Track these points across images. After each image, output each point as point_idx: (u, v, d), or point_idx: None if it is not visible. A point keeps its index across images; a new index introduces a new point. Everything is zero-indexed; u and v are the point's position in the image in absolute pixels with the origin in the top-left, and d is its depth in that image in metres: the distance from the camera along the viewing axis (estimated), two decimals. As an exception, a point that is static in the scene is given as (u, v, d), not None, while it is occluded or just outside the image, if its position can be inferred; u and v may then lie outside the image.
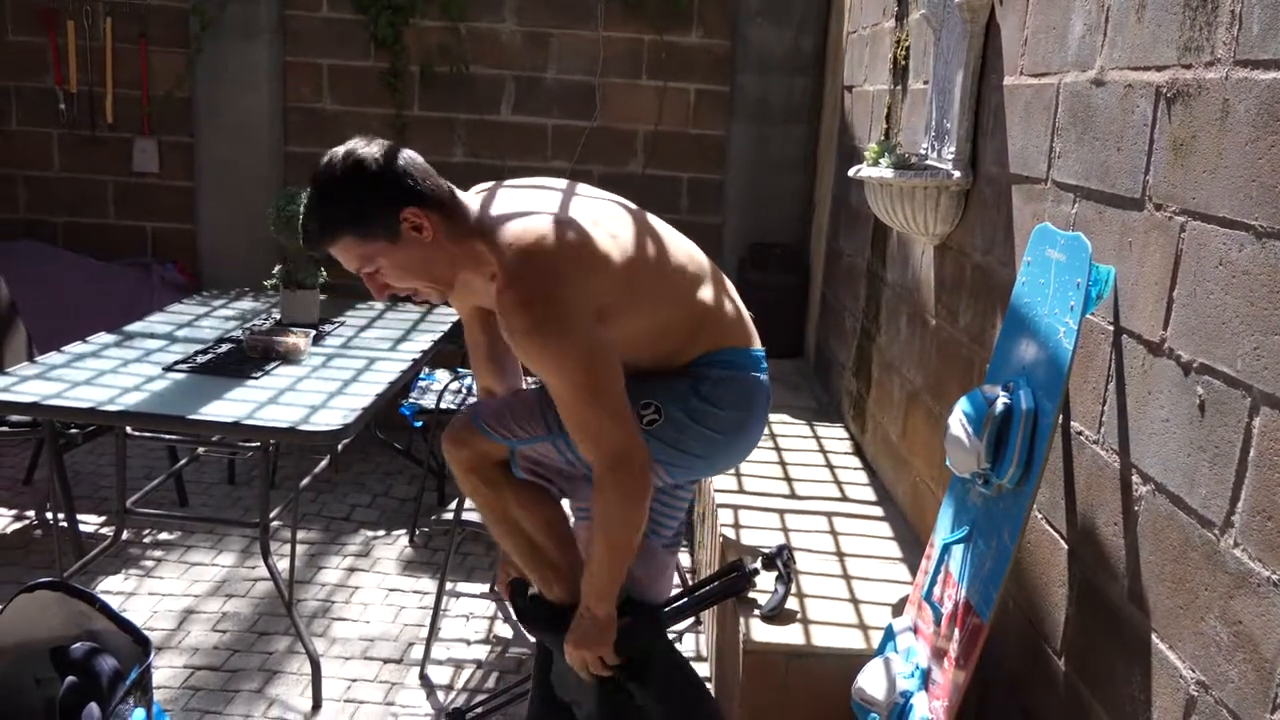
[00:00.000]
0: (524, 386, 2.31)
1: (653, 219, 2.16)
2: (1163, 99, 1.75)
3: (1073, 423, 2.04)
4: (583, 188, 2.14)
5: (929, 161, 2.87)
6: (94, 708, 1.90)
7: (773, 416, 4.00)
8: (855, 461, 3.61)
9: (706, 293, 2.13)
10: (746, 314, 2.23)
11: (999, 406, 2.00)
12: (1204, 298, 1.60)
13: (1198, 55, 1.65)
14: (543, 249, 1.86)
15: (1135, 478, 1.78)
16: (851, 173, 3.14)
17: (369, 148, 1.85)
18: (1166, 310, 1.71)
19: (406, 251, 1.86)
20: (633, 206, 2.18)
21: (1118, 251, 1.89)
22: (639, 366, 2.03)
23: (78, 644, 2.01)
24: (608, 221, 2.01)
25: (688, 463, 2.13)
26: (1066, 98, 2.14)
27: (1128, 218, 1.86)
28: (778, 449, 3.65)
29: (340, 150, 1.86)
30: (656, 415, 2.04)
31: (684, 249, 2.15)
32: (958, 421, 2.07)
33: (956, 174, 2.67)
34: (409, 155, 1.89)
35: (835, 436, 3.85)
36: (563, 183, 2.14)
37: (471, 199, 1.99)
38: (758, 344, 2.21)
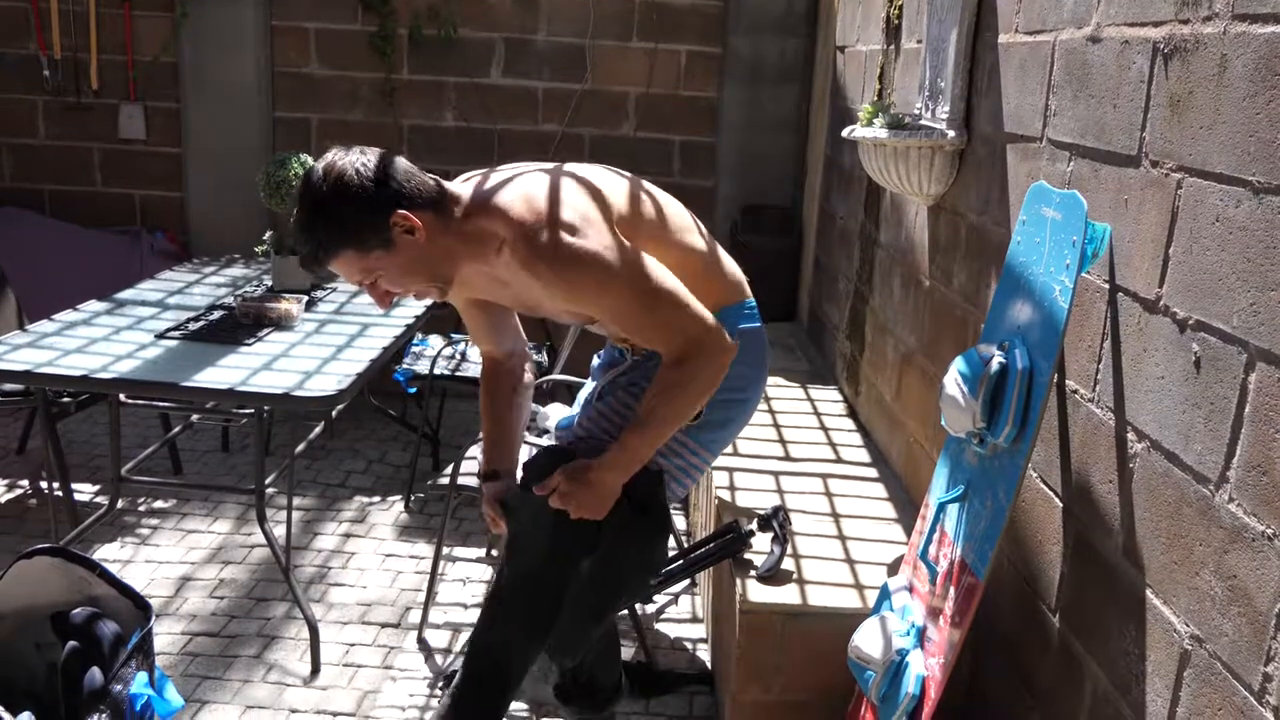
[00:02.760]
0: (524, 344, 2.34)
1: (644, 183, 2.19)
2: (1159, 55, 1.74)
3: (1068, 381, 2.05)
4: (571, 166, 2.17)
5: (923, 121, 2.86)
6: (96, 672, 1.90)
7: (767, 379, 4.00)
8: (849, 423, 3.62)
9: (704, 249, 2.18)
10: (738, 268, 2.29)
11: (994, 366, 2.01)
12: (1200, 254, 1.60)
13: (1195, 10, 1.64)
14: (551, 200, 1.91)
15: (1130, 435, 1.79)
16: (845, 133, 3.13)
17: (347, 157, 1.84)
18: (1162, 267, 1.71)
19: (404, 254, 1.86)
20: (625, 173, 2.20)
21: (1113, 209, 1.89)
22: None
23: (78, 609, 2.01)
24: (603, 185, 2.05)
25: (724, 434, 2.24)
26: (1062, 55, 2.13)
27: (1124, 175, 1.85)
28: (772, 411, 3.66)
29: (319, 167, 1.85)
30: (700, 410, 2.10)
31: (679, 208, 2.20)
32: (953, 381, 2.08)
33: (951, 134, 2.66)
34: (390, 158, 1.88)
35: (829, 399, 3.85)
36: (550, 165, 2.16)
37: (460, 186, 1.99)
38: (750, 295, 2.28)
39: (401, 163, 1.89)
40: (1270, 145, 1.44)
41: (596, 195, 1.99)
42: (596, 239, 1.89)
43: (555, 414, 3.08)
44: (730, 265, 2.26)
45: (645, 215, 2.08)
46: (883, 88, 3.51)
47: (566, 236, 1.87)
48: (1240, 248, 1.50)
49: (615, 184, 2.09)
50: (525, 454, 2.50)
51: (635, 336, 1.99)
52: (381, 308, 1.97)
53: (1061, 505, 2.05)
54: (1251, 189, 1.48)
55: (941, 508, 2.23)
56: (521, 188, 1.94)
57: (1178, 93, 1.68)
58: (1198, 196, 1.62)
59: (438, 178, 1.96)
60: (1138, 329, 1.78)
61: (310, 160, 3.58)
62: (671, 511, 2.23)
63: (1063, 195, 1.98)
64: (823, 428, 3.56)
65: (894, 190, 3.07)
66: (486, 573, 3.39)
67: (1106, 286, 1.90)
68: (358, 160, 1.84)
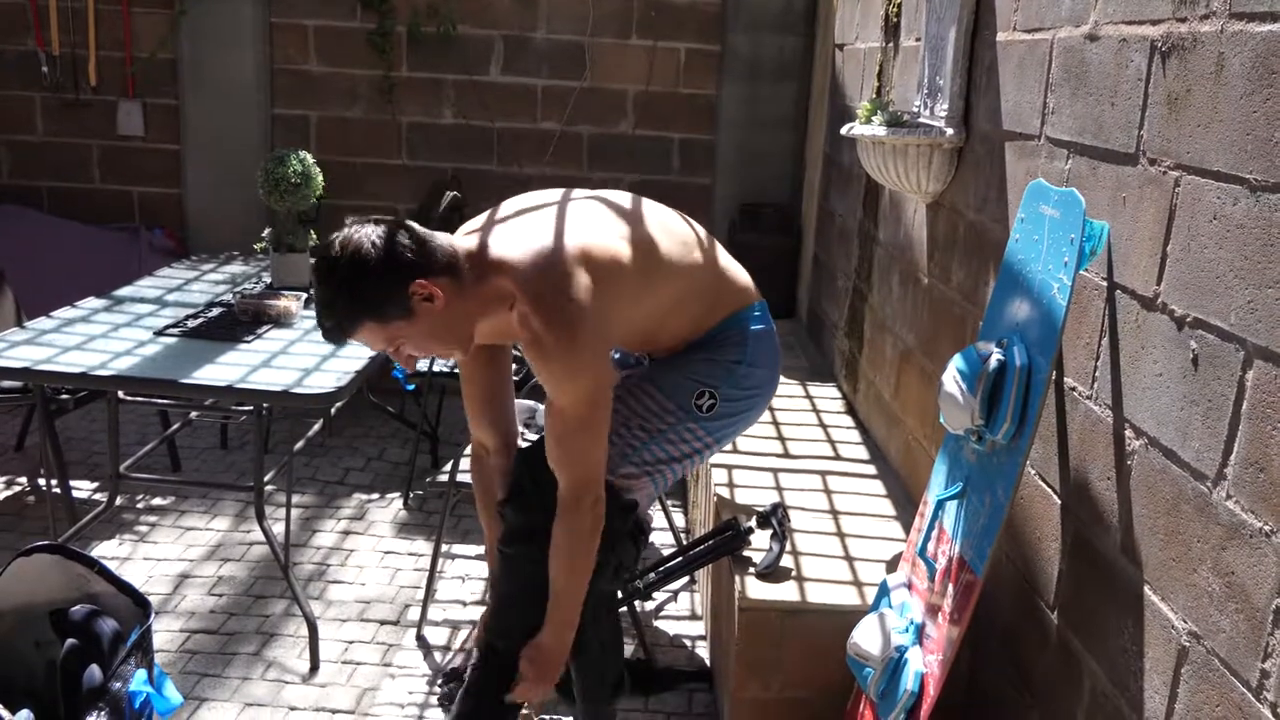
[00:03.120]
0: (516, 431, 2.34)
1: (648, 203, 2.23)
2: (1157, 53, 1.74)
3: (1066, 378, 2.05)
4: (576, 193, 2.21)
5: (921, 119, 2.86)
6: (95, 669, 1.91)
7: (779, 378, 4.01)
8: (848, 420, 3.62)
9: (712, 260, 2.26)
10: (744, 271, 2.34)
11: (993, 363, 2.01)
12: (1198, 252, 1.61)
13: (1192, 8, 1.64)
14: (556, 265, 1.92)
15: (1128, 432, 1.80)
16: (844, 130, 3.13)
17: (363, 231, 1.87)
18: (1160, 265, 1.71)
19: (424, 322, 1.90)
20: (628, 197, 2.23)
21: (1111, 207, 1.89)
22: (678, 335, 2.22)
23: (77, 606, 2.01)
24: (608, 221, 2.10)
25: (735, 425, 2.29)
26: (1060, 53, 2.13)
27: (1121, 173, 1.86)
28: (771, 409, 3.66)
29: (336, 241, 1.88)
30: (713, 399, 2.19)
31: (682, 227, 2.23)
32: (952, 378, 2.08)
33: (949, 131, 2.66)
34: (406, 227, 1.91)
35: (828, 396, 3.86)
36: (555, 193, 2.19)
37: (469, 241, 2.01)
38: (759, 297, 2.34)
39: (417, 230, 1.92)
40: (1267, 143, 1.44)
41: (602, 232, 2.04)
42: (581, 343, 1.91)
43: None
44: (736, 271, 2.31)
45: (646, 255, 2.10)
46: (881, 85, 3.51)
47: (572, 312, 1.90)
48: (1238, 245, 1.50)
49: (619, 215, 2.13)
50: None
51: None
52: (409, 370, 2.04)
53: (1060, 502, 2.06)
54: (1249, 187, 1.48)
55: (940, 505, 2.23)
56: (535, 247, 1.95)
57: (1175, 91, 1.68)
58: (1195, 194, 1.62)
59: (451, 238, 1.98)
60: (1136, 326, 1.79)
61: (309, 157, 3.58)
62: (648, 520, 2.30)
63: (1061, 193, 1.99)
64: (821, 425, 3.57)
65: (893, 188, 3.08)
66: (485, 570, 3.39)
67: (1104, 284, 1.91)
68: (373, 233, 1.86)
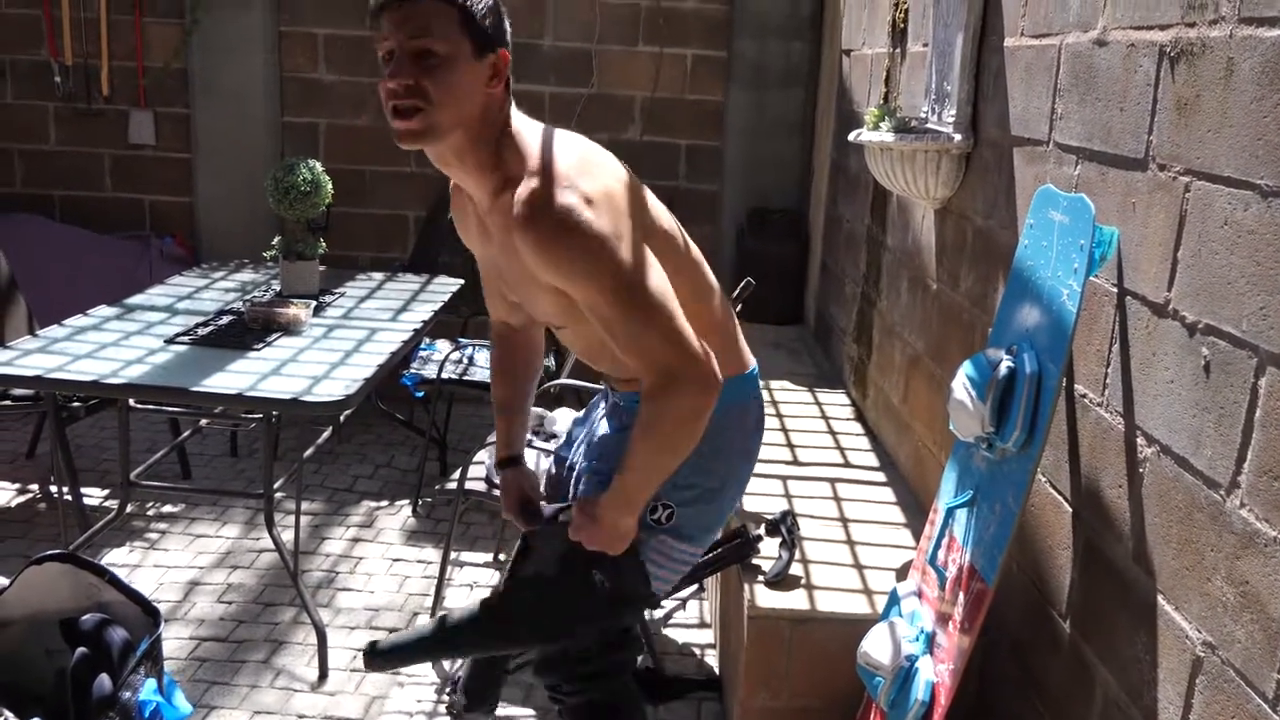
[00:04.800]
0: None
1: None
2: (1166, 58, 1.73)
3: (1076, 385, 2.04)
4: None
5: (929, 125, 2.86)
6: (105, 679, 1.91)
7: (775, 383, 4.01)
8: (857, 427, 3.61)
9: (718, 303, 2.02)
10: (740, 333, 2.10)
11: (1003, 370, 2.00)
12: (1209, 258, 1.60)
13: (1201, 13, 1.63)
14: (581, 162, 1.74)
15: (1140, 440, 1.79)
16: (851, 137, 3.12)
17: None
18: (1171, 271, 1.70)
19: (470, 75, 1.69)
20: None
21: (1121, 213, 1.88)
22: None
23: (88, 615, 2.02)
24: (651, 197, 1.92)
25: (712, 515, 2.05)
26: (1068, 59, 2.12)
27: (1131, 178, 1.85)
28: (780, 415, 3.65)
29: None
30: (668, 508, 1.95)
31: (704, 265, 2.03)
32: (961, 385, 2.07)
33: (957, 137, 2.65)
34: None
35: (837, 402, 3.85)
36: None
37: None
38: (753, 360, 2.09)
39: None
40: (1277, 149, 1.43)
41: (635, 190, 1.83)
42: (608, 221, 1.69)
43: (563, 419, 3.08)
44: (738, 332, 2.07)
45: (678, 234, 1.94)
46: (889, 91, 3.50)
47: (573, 201, 1.67)
48: (1249, 251, 1.49)
49: (659, 205, 1.94)
50: (531, 460, 2.49)
51: (613, 346, 1.78)
52: (386, 83, 1.70)
53: (1071, 510, 2.05)
54: (1260, 192, 1.47)
55: (950, 513, 2.22)
56: (555, 139, 1.79)
57: (1185, 96, 1.68)
58: (1206, 200, 1.61)
59: None
60: (1147, 333, 1.78)
61: (318, 166, 3.59)
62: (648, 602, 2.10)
63: (1070, 199, 1.98)
64: (830, 432, 3.56)
65: (900, 194, 3.07)
66: (493, 577, 3.39)
67: (1115, 290, 1.90)
68: None
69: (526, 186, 1.69)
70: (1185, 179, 1.67)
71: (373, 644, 2.06)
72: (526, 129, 1.79)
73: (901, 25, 3.38)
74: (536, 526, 2.10)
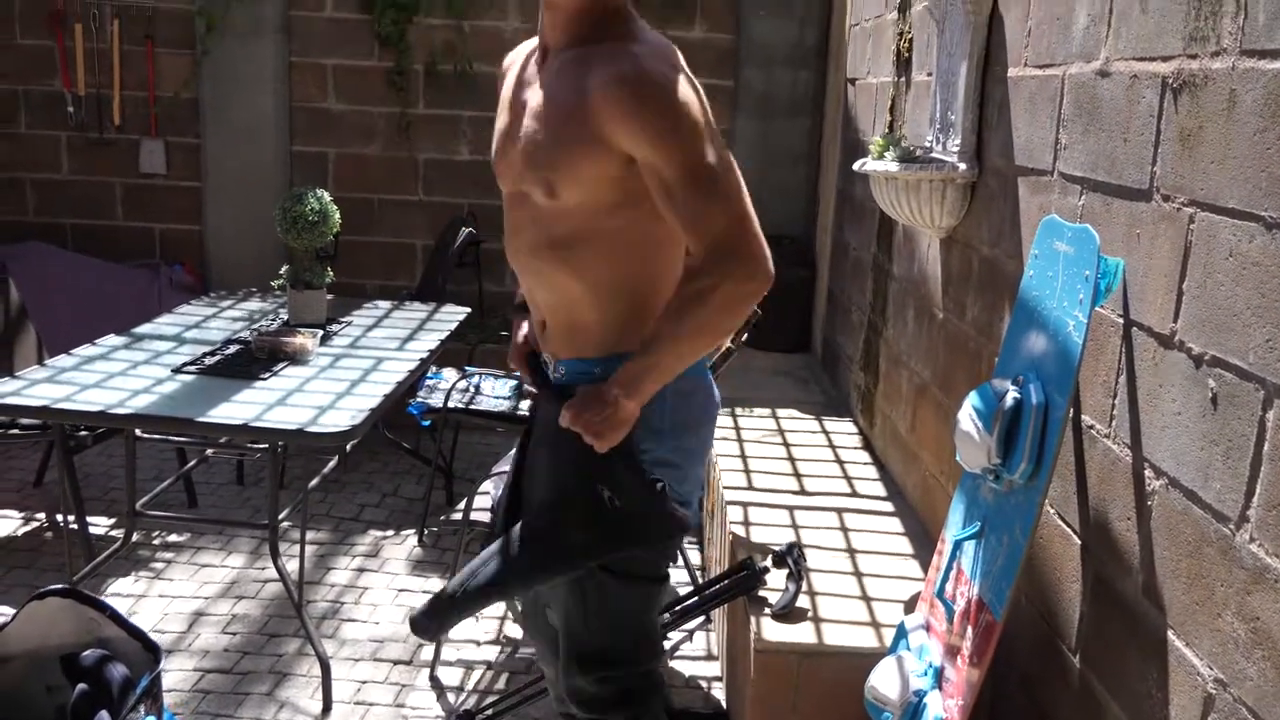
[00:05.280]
0: None
1: None
2: (1169, 89, 1.73)
3: (1084, 416, 2.02)
4: None
5: (934, 154, 2.86)
6: (105, 716, 1.90)
7: (781, 412, 3.99)
8: (864, 456, 3.59)
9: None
10: None
11: (1009, 401, 1.99)
12: (1214, 289, 1.59)
13: (1203, 45, 1.63)
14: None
15: (1148, 472, 1.77)
16: (856, 166, 3.12)
17: None
18: (1176, 302, 1.69)
19: None
20: None
21: (1126, 243, 1.87)
22: (605, 319, 1.81)
23: (88, 651, 2.00)
24: None
25: (696, 486, 1.97)
26: (1072, 89, 2.12)
27: (1135, 209, 1.84)
28: (786, 444, 3.64)
29: None
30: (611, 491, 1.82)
31: None
32: (967, 416, 2.06)
33: (962, 167, 2.65)
34: None
35: (844, 431, 3.83)
36: None
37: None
38: None
39: None
40: (1283, 181, 1.42)
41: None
42: (700, 104, 1.67)
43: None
44: None
45: None
46: (894, 119, 3.51)
47: (679, 75, 1.66)
48: (1255, 283, 1.48)
49: None
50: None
51: (666, 212, 1.69)
52: None
53: (1080, 542, 2.03)
54: (1264, 224, 1.46)
55: (958, 545, 2.20)
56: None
57: (1188, 127, 1.67)
58: (1210, 231, 1.60)
59: None
60: (1153, 364, 1.76)
61: (326, 195, 3.60)
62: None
63: (1075, 229, 1.97)
64: (838, 460, 3.54)
65: (906, 223, 3.06)
66: (500, 609, 3.37)
67: (1121, 321, 1.89)
68: None
69: (634, 50, 1.67)
70: (1189, 210, 1.66)
71: (412, 619, 1.97)
72: (633, 12, 1.78)
73: (906, 55, 3.39)
74: (540, 383, 1.97)
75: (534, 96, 1.79)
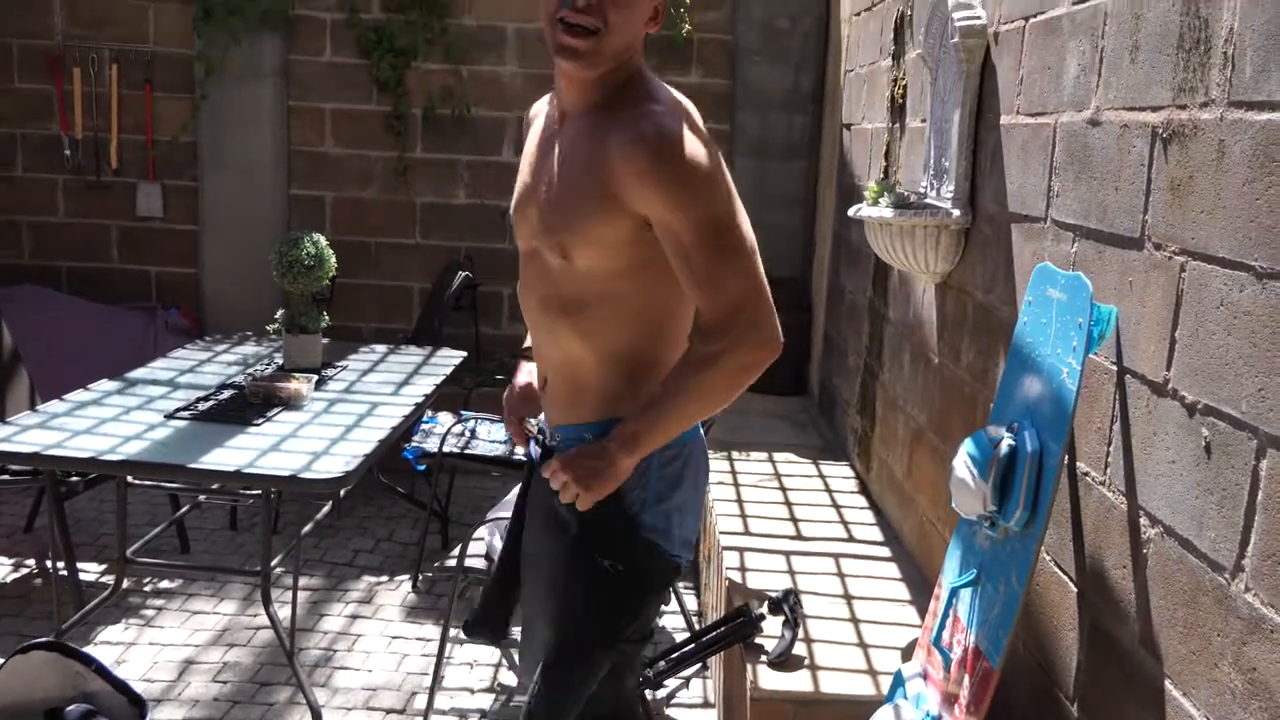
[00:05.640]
0: None
1: None
2: (1159, 139, 1.74)
3: (1079, 463, 2.02)
4: None
5: (928, 200, 2.87)
6: (90, 767, 1.87)
7: (778, 455, 3.98)
8: (861, 500, 3.58)
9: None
10: None
11: (1004, 448, 1.98)
12: (1206, 338, 1.59)
13: (1192, 96, 1.64)
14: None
15: (1143, 520, 1.76)
16: (851, 212, 3.14)
17: None
18: (1169, 351, 1.69)
19: (642, 10, 1.72)
20: None
21: (1118, 291, 1.87)
22: (609, 379, 1.80)
23: (73, 706, 1.98)
24: None
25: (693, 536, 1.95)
26: (1063, 137, 2.13)
27: (1127, 257, 1.85)
28: (783, 489, 3.63)
29: None
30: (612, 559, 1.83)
31: None
32: (963, 463, 2.05)
33: (956, 213, 2.66)
34: None
35: (841, 475, 3.82)
36: None
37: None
38: None
39: None
40: (1271, 231, 1.43)
41: None
42: (719, 166, 1.70)
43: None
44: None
45: None
46: (889, 165, 3.53)
47: (699, 138, 1.68)
48: (1246, 332, 1.49)
49: None
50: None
51: (680, 274, 1.70)
52: (553, 13, 1.69)
53: (1076, 590, 2.01)
54: (1255, 274, 1.47)
55: (954, 592, 2.19)
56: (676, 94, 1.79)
57: (1178, 177, 1.68)
58: (1201, 280, 1.61)
59: None
60: (1147, 412, 1.76)
61: (322, 240, 3.61)
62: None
63: (1067, 277, 1.97)
64: (835, 505, 3.53)
65: (901, 268, 3.07)
66: (494, 656, 3.34)
67: (1114, 368, 1.89)
68: None
69: (652, 110, 1.68)
70: (1181, 259, 1.67)
71: None
72: (648, 72, 1.80)
73: (900, 101, 3.42)
74: (538, 451, 1.97)
75: (552, 159, 1.80)
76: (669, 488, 1.85)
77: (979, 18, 2.63)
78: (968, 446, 2.07)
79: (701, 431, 1.95)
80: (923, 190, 2.95)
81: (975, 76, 2.64)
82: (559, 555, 1.88)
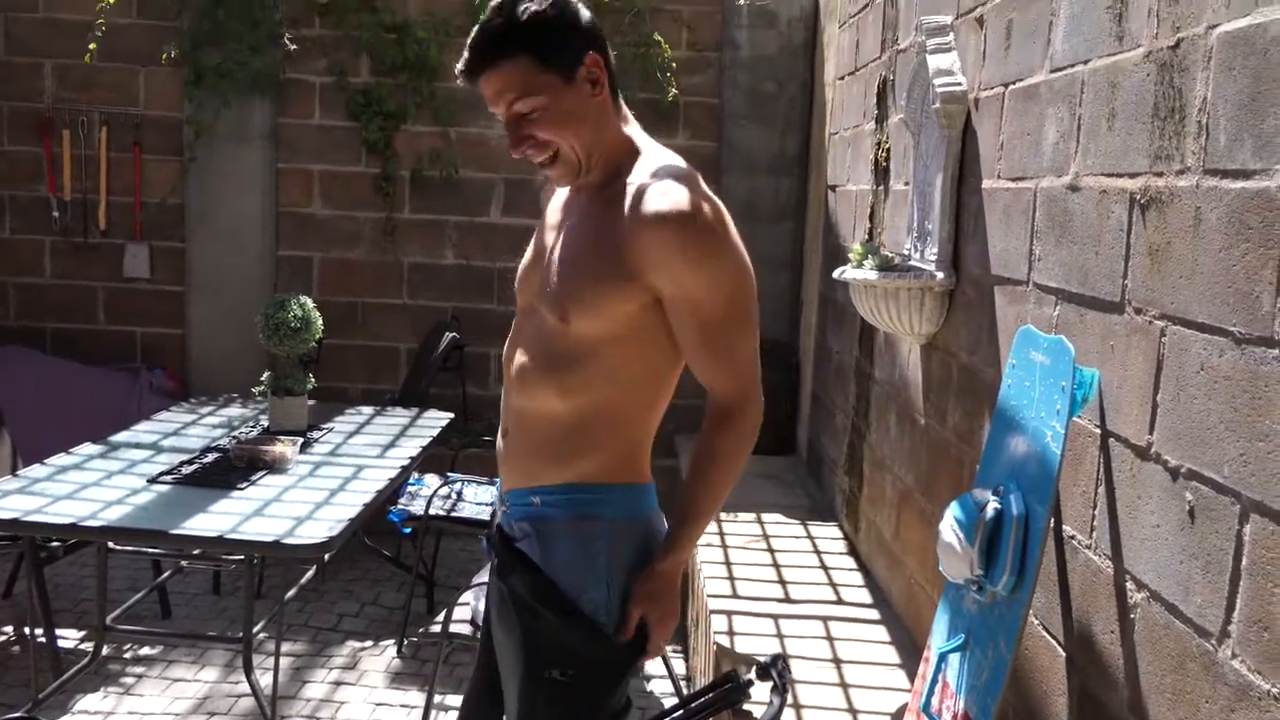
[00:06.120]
0: None
1: None
2: (1137, 205, 1.77)
3: (1065, 526, 2.01)
4: None
5: (912, 262, 2.89)
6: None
7: (766, 516, 3.96)
8: (850, 561, 3.56)
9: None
10: None
11: (989, 512, 1.98)
12: (1188, 402, 1.59)
13: (1168, 163, 1.67)
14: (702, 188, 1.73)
15: (1130, 584, 1.75)
16: (836, 275, 3.16)
17: None
18: (1151, 414, 1.70)
19: (573, 100, 1.70)
20: None
21: (1100, 354, 1.89)
22: (590, 445, 1.78)
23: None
24: None
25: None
26: (1044, 202, 2.16)
27: (1109, 321, 1.86)
28: (771, 550, 3.61)
29: None
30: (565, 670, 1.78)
31: None
32: (949, 527, 2.05)
33: (939, 275, 2.68)
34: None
35: (829, 535, 3.80)
36: None
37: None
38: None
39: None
40: (1248, 297, 1.44)
41: None
42: (734, 236, 1.74)
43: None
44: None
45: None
46: (873, 226, 3.56)
47: (714, 210, 1.70)
48: (1227, 397, 1.49)
49: None
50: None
51: (690, 347, 1.74)
52: (515, 152, 1.75)
53: (1065, 655, 2.00)
54: (1233, 339, 1.48)
55: (943, 657, 2.17)
56: (660, 147, 1.81)
57: (1156, 242, 1.70)
58: (1182, 344, 1.62)
59: None
60: (1131, 476, 1.76)
61: (309, 302, 3.62)
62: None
63: (1050, 340, 1.99)
64: (823, 566, 3.50)
65: (886, 329, 3.09)
66: (479, 721, 3.28)
67: (1098, 432, 1.89)
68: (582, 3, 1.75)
69: (665, 185, 1.69)
70: (1161, 323, 1.68)
71: None
72: (632, 126, 1.82)
73: (884, 164, 3.46)
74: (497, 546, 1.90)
75: (566, 228, 1.82)
76: (628, 561, 1.81)
77: (960, 84, 2.67)
78: (954, 510, 2.07)
79: (657, 514, 1.91)
80: (907, 252, 2.97)
81: (957, 141, 2.68)
82: (513, 654, 1.84)
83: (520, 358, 1.85)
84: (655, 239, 1.65)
